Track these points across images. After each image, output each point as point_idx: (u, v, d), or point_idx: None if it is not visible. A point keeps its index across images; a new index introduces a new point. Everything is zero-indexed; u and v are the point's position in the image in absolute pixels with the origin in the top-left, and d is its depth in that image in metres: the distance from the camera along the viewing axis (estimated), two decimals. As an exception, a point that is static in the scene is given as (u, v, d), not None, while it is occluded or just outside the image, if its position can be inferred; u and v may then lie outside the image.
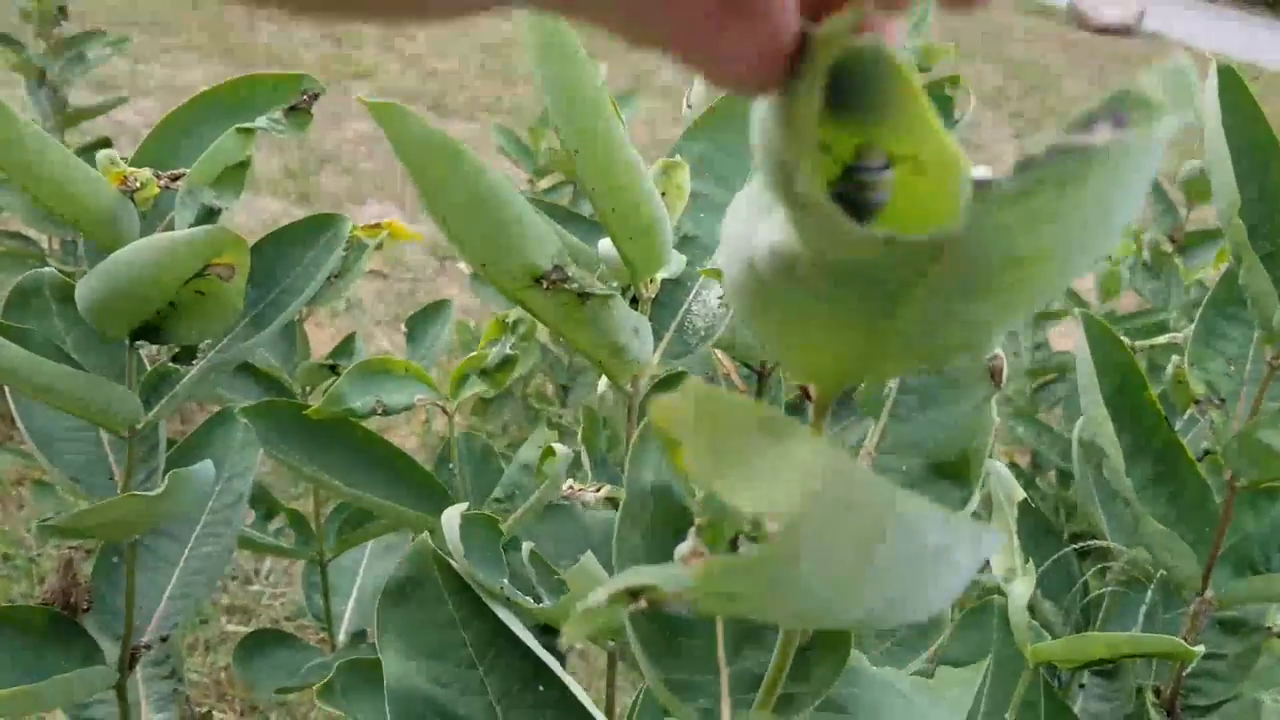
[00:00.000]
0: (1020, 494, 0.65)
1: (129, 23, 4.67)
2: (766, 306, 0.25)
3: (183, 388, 0.68)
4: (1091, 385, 0.74)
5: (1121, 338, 0.77)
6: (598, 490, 0.56)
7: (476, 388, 0.71)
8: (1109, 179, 0.19)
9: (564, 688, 0.46)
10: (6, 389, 0.71)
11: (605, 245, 0.53)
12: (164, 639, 0.76)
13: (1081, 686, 0.83)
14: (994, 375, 0.37)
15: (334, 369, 0.85)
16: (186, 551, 0.76)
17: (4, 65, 1.83)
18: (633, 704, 0.56)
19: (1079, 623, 0.86)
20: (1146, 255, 2.07)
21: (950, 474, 0.37)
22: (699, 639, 0.41)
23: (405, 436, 2.27)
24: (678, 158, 0.52)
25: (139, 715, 0.79)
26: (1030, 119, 5.77)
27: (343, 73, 4.73)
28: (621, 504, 0.38)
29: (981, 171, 0.19)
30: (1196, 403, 0.73)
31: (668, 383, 0.54)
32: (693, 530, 0.33)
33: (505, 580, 0.46)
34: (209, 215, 0.67)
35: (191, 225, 0.65)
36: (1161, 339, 1.04)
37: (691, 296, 0.55)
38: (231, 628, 1.73)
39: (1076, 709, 0.80)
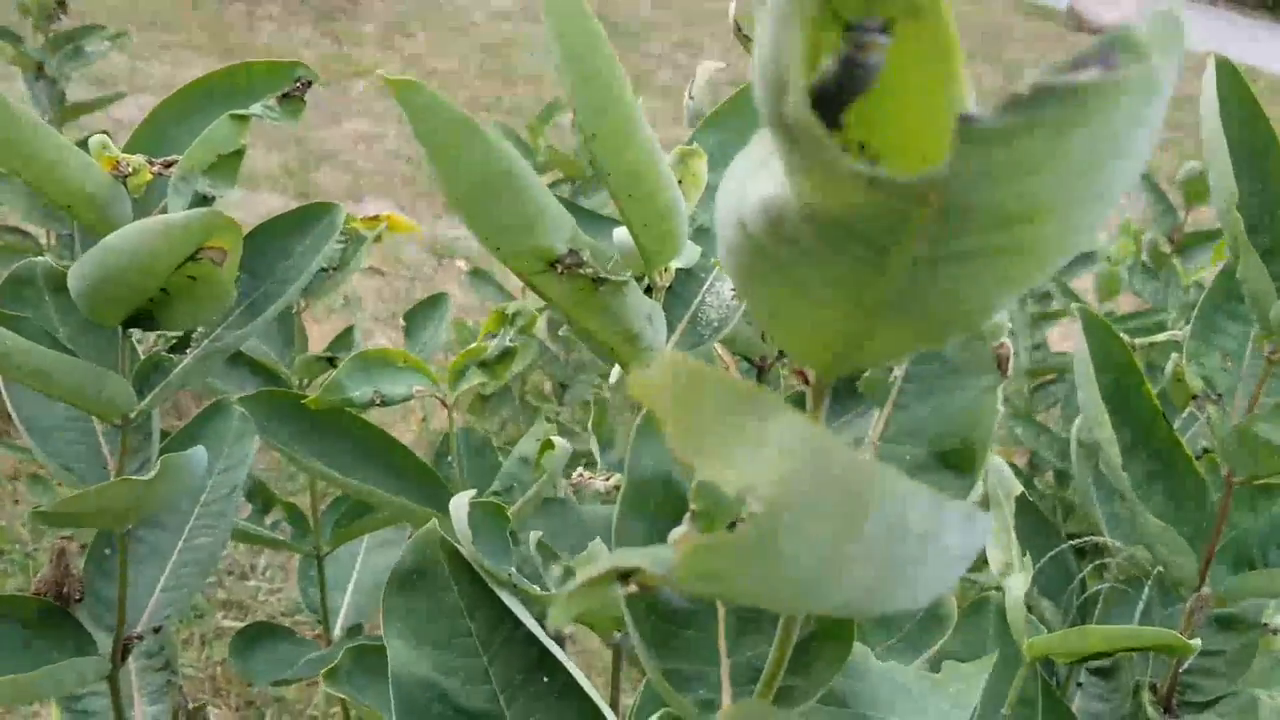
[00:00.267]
0: (1018, 489, 0.65)
1: (128, 21, 4.66)
2: (757, 269, 0.24)
3: (176, 376, 0.68)
4: (1089, 381, 0.73)
5: (1120, 335, 0.77)
6: (607, 479, 0.56)
7: (476, 379, 0.71)
8: (1105, 124, 0.19)
9: (569, 678, 0.45)
10: (1, 381, 0.71)
11: (620, 234, 0.53)
12: (157, 630, 0.75)
13: (1079, 685, 0.83)
14: (1000, 363, 0.37)
15: (332, 361, 0.85)
16: (180, 543, 0.76)
17: (2, 59, 1.83)
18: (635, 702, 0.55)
19: (1076, 620, 0.85)
20: (1145, 256, 2.07)
21: (953, 463, 0.36)
22: (699, 630, 0.41)
23: (402, 433, 2.26)
24: (695, 146, 0.51)
25: (132, 707, 0.78)
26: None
27: (342, 72, 4.72)
28: (621, 491, 0.38)
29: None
30: (1194, 398, 0.73)
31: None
32: (688, 516, 0.33)
33: (513, 569, 0.45)
34: (202, 203, 0.66)
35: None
36: (1160, 337, 1.04)
37: (705, 288, 0.54)
38: (227, 623, 1.72)
39: (1074, 707, 0.80)
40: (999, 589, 0.69)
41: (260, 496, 0.93)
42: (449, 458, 0.74)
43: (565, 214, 0.41)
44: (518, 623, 0.44)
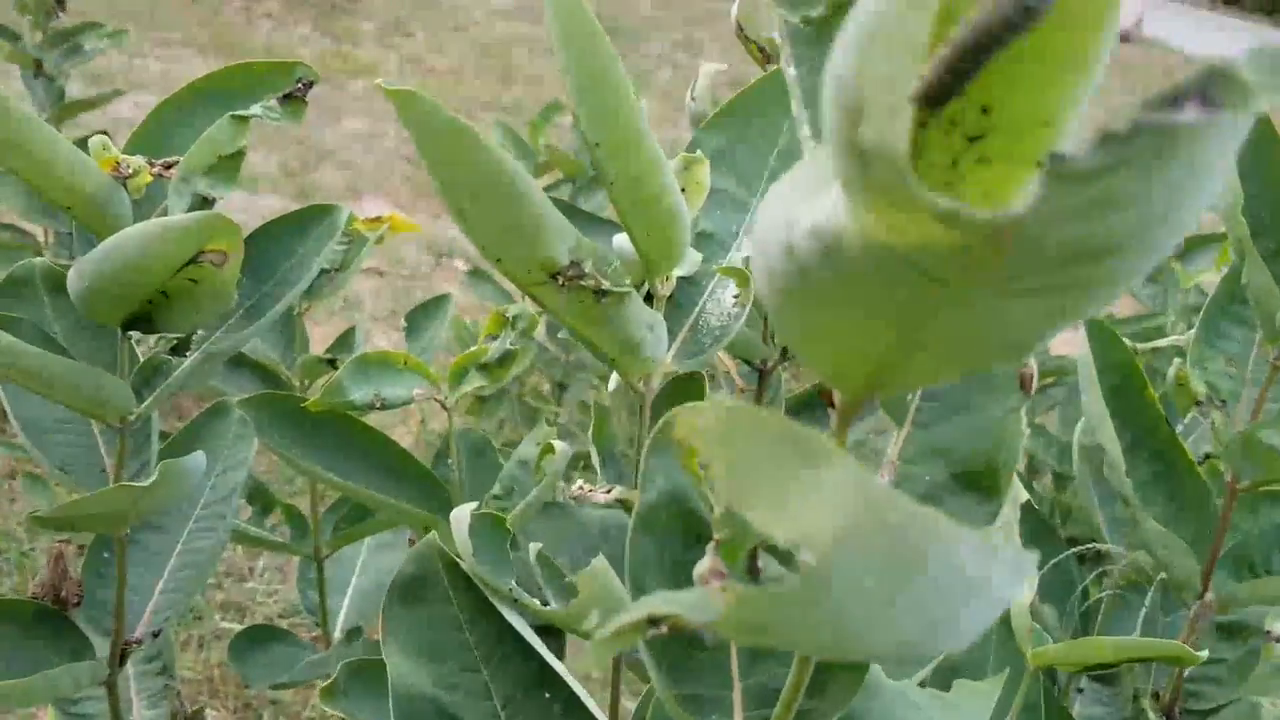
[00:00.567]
0: (1024, 495, 0.65)
1: (126, 18, 4.66)
2: (800, 297, 0.24)
3: (176, 378, 0.67)
4: (1092, 384, 0.73)
5: (1123, 338, 0.76)
6: (608, 491, 0.56)
7: (476, 382, 0.71)
8: (1192, 163, 0.18)
9: (571, 693, 0.45)
10: (-1, 381, 0.70)
11: (620, 240, 0.52)
12: (155, 634, 0.75)
13: (1079, 690, 0.82)
14: (1024, 383, 0.37)
15: (333, 363, 0.84)
16: (179, 545, 0.75)
17: (1, 57, 1.83)
18: (637, 711, 0.55)
19: (1078, 627, 0.85)
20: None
21: (976, 486, 0.36)
22: (712, 653, 0.40)
23: (401, 435, 2.26)
24: (698, 153, 0.51)
25: (130, 711, 0.78)
26: (1028, 123, 5.77)
27: (341, 70, 4.72)
28: (634, 513, 0.37)
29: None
30: (1198, 404, 0.72)
31: (682, 383, 0.54)
32: (710, 546, 0.32)
33: (513, 582, 0.45)
34: (203, 205, 0.66)
35: (186, 212, 0.65)
36: (1162, 342, 1.03)
37: (707, 295, 0.54)
38: (226, 624, 1.72)
39: (1074, 712, 0.79)
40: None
41: (260, 498, 0.93)
42: (449, 460, 0.74)
43: (567, 225, 0.41)
44: (518, 637, 0.44)
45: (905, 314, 0.22)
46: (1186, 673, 0.75)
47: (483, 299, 2.12)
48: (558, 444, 0.71)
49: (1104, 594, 0.79)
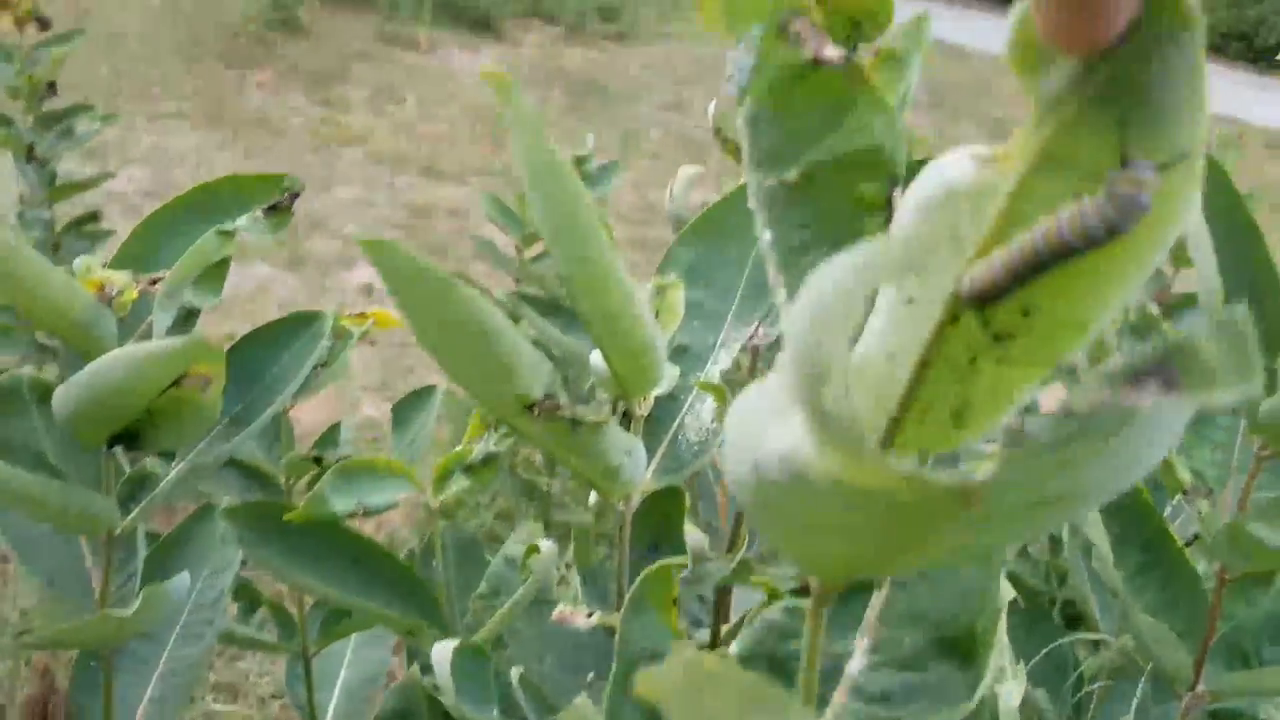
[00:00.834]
0: (1010, 593, 0.65)
1: (119, 91, 4.71)
2: (773, 513, 0.24)
3: (161, 491, 0.67)
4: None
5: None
6: (590, 615, 0.55)
7: (461, 484, 0.71)
8: (1150, 429, 0.19)
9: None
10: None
11: (597, 359, 0.53)
12: (143, 744, 0.74)
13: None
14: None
15: (318, 460, 0.84)
16: (165, 653, 0.75)
17: (-8, 141, 1.84)
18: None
19: (1071, 714, 0.85)
20: (1134, 319, 2.08)
21: (956, 652, 0.36)
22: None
23: (391, 517, 2.25)
24: (672, 276, 0.52)
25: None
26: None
27: (333, 137, 4.76)
28: (612, 671, 0.37)
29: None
30: (1184, 492, 0.72)
31: (661, 499, 0.54)
32: None
33: (495, 713, 0.45)
34: (189, 316, 0.67)
35: (171, 327, 0.65)
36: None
37: (685, 410, 0.54)
38: (218, 706, 1.70)
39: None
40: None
41: (246, 595, 0.92)
42: (435, 561, 0.74)
43: (541, 360, 0.41)
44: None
45: (876, 536, 0.23)
46: (1182, 763, 0.75)
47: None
48: (543, 544, 0.71)
49: (1096, 686, 0.79)
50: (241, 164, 4.19)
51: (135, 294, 0.62)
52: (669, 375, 0.52)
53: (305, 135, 4.73)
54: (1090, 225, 0.22)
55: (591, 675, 0.56)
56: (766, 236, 0.30)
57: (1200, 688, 0.71)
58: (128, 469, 0.71)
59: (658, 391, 0.51)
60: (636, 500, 0.52)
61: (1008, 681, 0.64)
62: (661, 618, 0.42)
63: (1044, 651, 0.83)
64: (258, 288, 3.16)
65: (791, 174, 0.30)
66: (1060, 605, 2.01)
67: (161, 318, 0.63)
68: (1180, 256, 1.91)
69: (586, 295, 0.42)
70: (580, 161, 2.05)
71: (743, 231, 0.57)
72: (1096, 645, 0.92)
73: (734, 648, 0.38)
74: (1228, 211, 0.70)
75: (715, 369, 0.54)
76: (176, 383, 0.58)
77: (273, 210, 0.66)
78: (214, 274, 0.67)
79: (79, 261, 0.60)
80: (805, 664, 0.29)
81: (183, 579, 0.66)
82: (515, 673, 0.49)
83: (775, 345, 0.67)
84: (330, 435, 0.87)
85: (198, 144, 4.36)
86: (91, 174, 2.22)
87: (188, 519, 0.77)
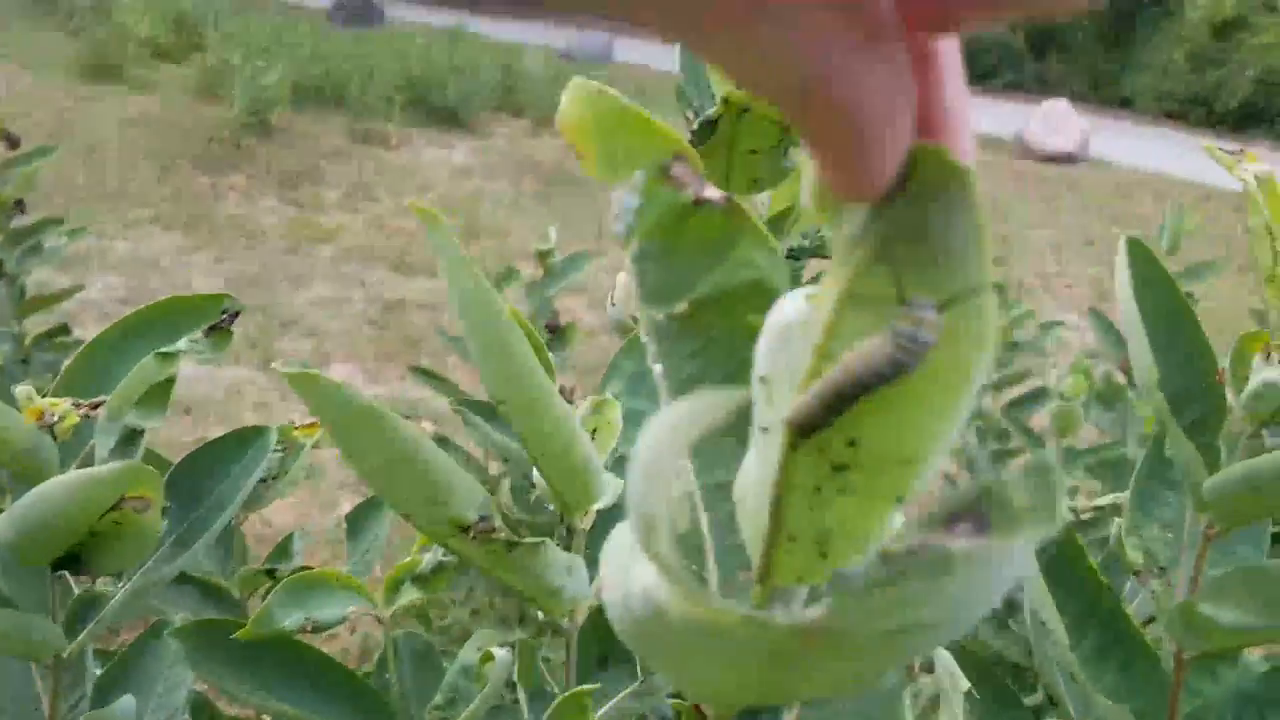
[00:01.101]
0: (965, 684, 0.64)
1: (92, 197, 4.75)
2: (643, 643, 0.24)
3: (109, 613, 0.67)
4: (1029, 559, 0.73)
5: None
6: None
7: (411, 595, 0.70)
8: (977, 572, 0.19)
9: None
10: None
11: (539, 475, 0.53)
12: None
13: None
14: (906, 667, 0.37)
15: (272, 573, 0.84)
16: (117, 779, 0.74)
17: (-41, 259, 1.85)
18: None
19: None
20: (1100, 387, 2.10)
21: None
22: None
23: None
24: (608, 395, 0.52)
25: None
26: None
27: (306, 236, 4.80)
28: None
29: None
30: (1136, 573, 0.73)
31: (604, 613, 0.53)
32: None
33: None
34: (132, 437, 0.67)
35: (113, 449, 0.65)
36: (1102, 501, 1.04)
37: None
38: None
39: None
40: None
41: (205, 712, 0.91)
42: (387, 674, 0.73)
43: (475, 485, 0.42)
44: None
45: (742, 670, 0.23)
46: None
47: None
48: (497, 651, 0.70)
49: (1062, 773, 0.78)
50: (215, 268, 4.21)
51: (76, 419, 0.62)
52: (611, 488, 0.52)
53: (279, 236, 4.77)
54: (875, 362, 0.23)
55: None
56: (658, 369, 0.31)
57: (1165, 771, 0.70)
58: (76, 591, 0.70)
59: (600, 505, 0.51)
60: (583, 614, 0.52)
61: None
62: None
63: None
64: (231, 390, 3.16)
65: (680, 307, 0.30)
66: (1035, 676, 1.99)
67: (103, 441, 0.63)
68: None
69: (519, 416, 0.43)
70: (544, 255, 2.07)
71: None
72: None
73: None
74: (1158, 292, 0.71)
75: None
76: (116, 506, 0.58)
77: (213, 330, 0.67)
78: (157, 395, 0.67)
79: (19, 390, 0.61)
80: (711, 787, 0.29)
81: (128, 702, 0.65)
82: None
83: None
84: (284, 547, 0.87)
85: (173, 249, 4.38)
86: (66, 284, 2.23)
87: (138, 639, 0.76)
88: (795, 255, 0.76)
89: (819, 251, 0.78)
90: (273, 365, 0.39)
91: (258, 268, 4.30)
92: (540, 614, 0.52)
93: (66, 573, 0.69)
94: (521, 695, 0.58)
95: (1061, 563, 0.74)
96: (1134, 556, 0.73)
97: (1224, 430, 0.67)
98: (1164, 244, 2.02)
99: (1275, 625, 0.66)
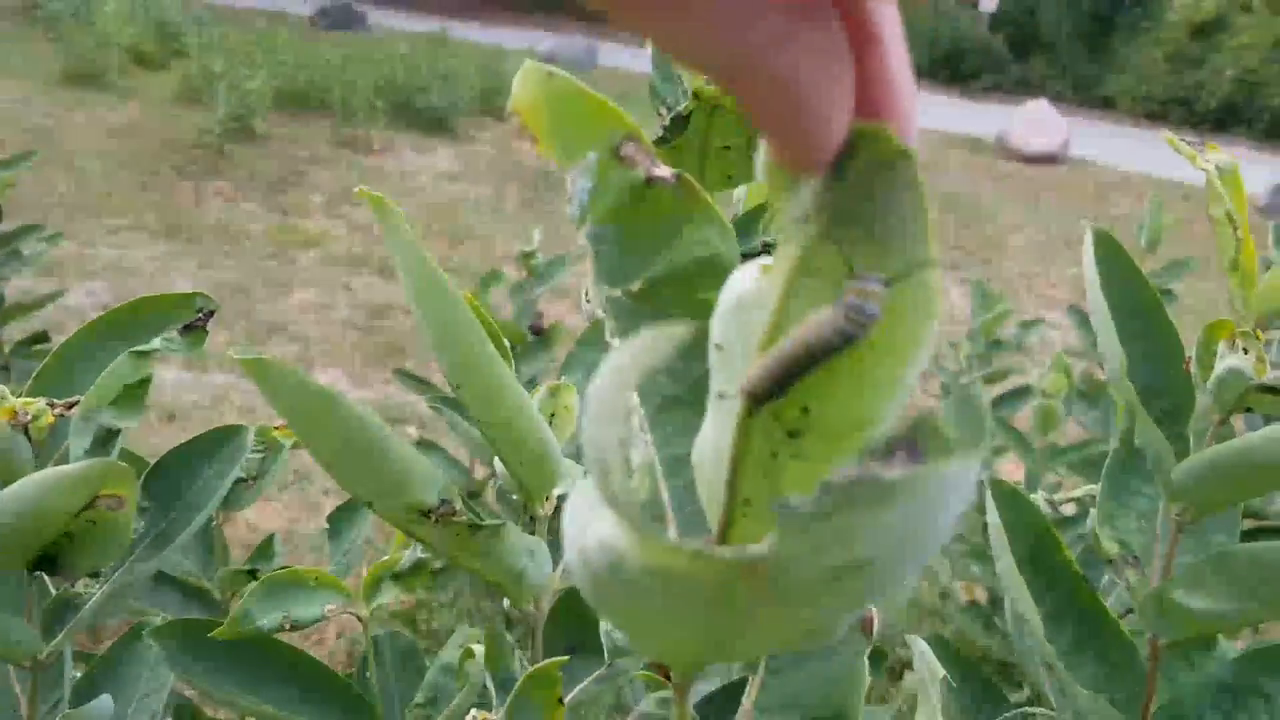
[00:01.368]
0: (941, 673, 0.65)
1: (75, 205, 4.73)
2: (603, 598, 0.25)
3: (86, 613, 0.67)
4: (1004, 550, 0.74)
5: (1035, 498, 0.78)
6: (499, 722, 0.55)
7: (391, 593, 0.70)
8: (916, 501, 0.20)
9: None
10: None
11: (500, 463, 0.53)
12: None
13: None
14: (865, 628, 0.37)
15: (253, 574, 0.84)
16: (97, 781, 0.73)
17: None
18: None
19: (1021, 792, 0.84)
20: (1081, 385, 2.11)
21: None
22: None
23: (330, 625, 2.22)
24: (564, 379, 0.53)
25: None
26: (970, 250, 5.92)
27: (290, 242, 4.78)
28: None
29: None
30: (1110, 562, 0.73)
31: (572, 599, 0.54)
32: None
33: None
34: (108, 437, 0.67)
35: (88, 449, 0.65)
36: (1078, 492, 1.05)
37: (589, 509, 0.55)
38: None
39: None
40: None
41: (186, 716, 0.91)
42: (368, 673, 0.73)
43: (432, 469, 0.42)
44: None
45: (700, 619, 0.23)
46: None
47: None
48: (477, 649, 0.70)
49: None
50: (199, 274, 4.20)
51: (51, 419, 0.62)
52: (572, 474, 0.52)
53: (263, 241, 4.76)
54: (825, 333, 0.24)
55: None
56: (615, 343, 0.31)
57: (1141, 759, 0.71)
58: (54, 593, 0.70)
59: (560, 491, 0.52)
60: (548, 602, 0.52)
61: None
62: (547, 718, 0.42)
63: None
64: (215, 395, 3.15)
65: (635, 285, 0.31)
66: (1014, 680, 2.00)
67: (78, 441, 0.63)
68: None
69: (475, 402, 0.43)
70: (527, 257, 2.07)
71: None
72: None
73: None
74: (1126, 284, 0.71)
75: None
76: (91, 504, 0.58)
77: (188, 330, 0.67)
78: (133, 395, 0.67)
79: (-8, 389, 0.61)
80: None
81: (104, 702, 0.65)
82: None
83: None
84: (265, 547, 0.87)
85: (156, 256, 4.37)
86: (49, 290, 2.22)
87: (117, 641, 0.76)
88: (769, 250, 0.77)
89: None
90: (229, 351, 0.40)
91: (241, 274, 4.29)
92: (512, 607, 0.52)
93: (43, 574, 0.69)
94: (489, 681, 0.59)
95: (1038, 555, 0.75)
96: (1109, 547, 0.74)
97: (1193, 419, 0.68)
98: (1143, 241, 2.03)
99: (1247, 610, 0.67)
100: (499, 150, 6.93)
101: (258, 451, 0.86)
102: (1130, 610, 0.81)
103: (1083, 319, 2.07)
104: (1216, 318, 0.70)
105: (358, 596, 0.71)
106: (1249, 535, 0.79)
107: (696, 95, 0.70)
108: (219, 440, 0.69)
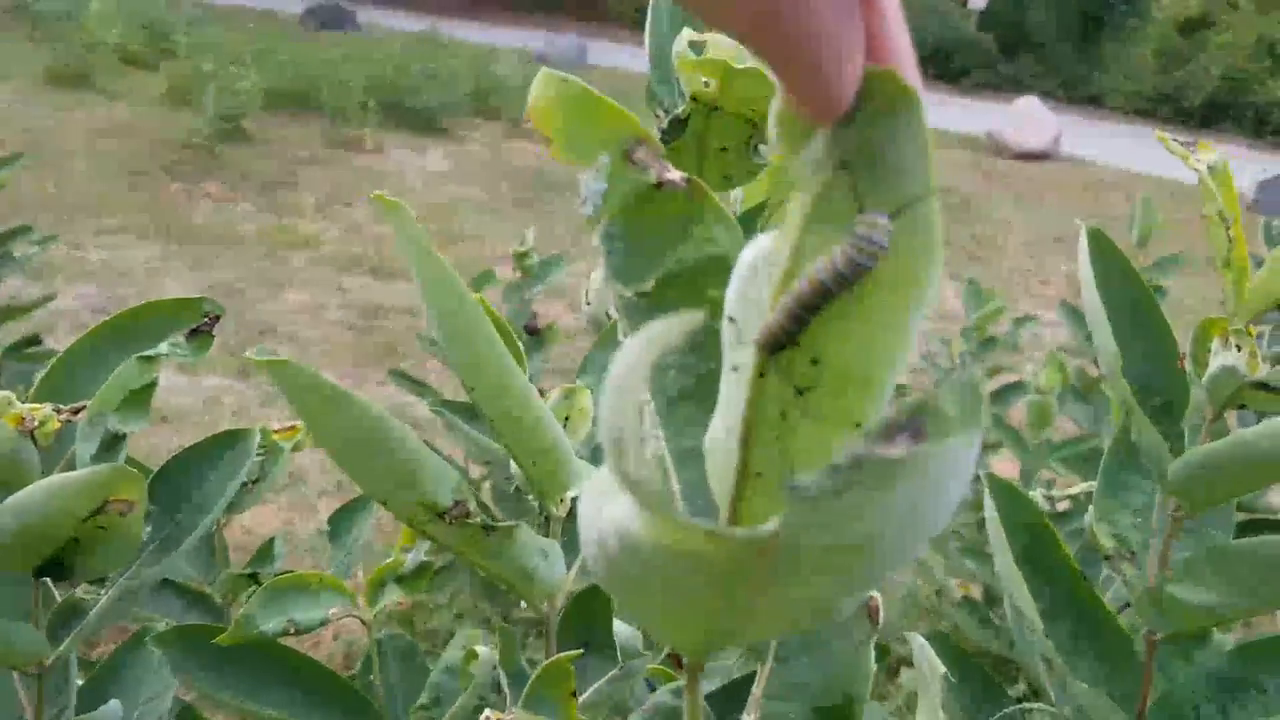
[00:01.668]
0: (941, 669, 0.65)
1: (66, 207, 4.71)
2: (619, 583, 0.26)
3: (92, 619, 0.67)
4: (1002, 546, 0.74)
5: (1033, 495, 0.78)
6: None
7: (394, 596, 0.71)
8: (919, 480, 0.21)
9: None
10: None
11: (514, 463, 0.54)
12: None
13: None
14: (871, 615, 0.38)
15: (254, 578, 0.84)
16: (103, 785, 0.74)
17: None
18: None
19: (1020, 786, 0.85)
20: (1074, 382, 2.12)
21: (835, 718, 0.37)
22: None
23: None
24: (578, 382, 0.53)
25: None
26: (962, 247, 5.94)
27: (283, 242, 4.78)
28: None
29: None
30: (1107, 558, 0.74)
31: (585, 600, 0.54)
32: None
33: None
34: (114, 442, 0.67)
35: (95, 454, 0.65)
36: (1076, 489, 1.06)
37: (605, 510, 0.55)
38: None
39: None
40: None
41: (192, 719, 0.91)
42: (371, 675, 0.73)
43: (446, 468, 0.42)
44: None
45: (708, 599, 0.24)
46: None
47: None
48: (481, 650, 0.71)
49: (1040, 756, 0.79)
50: (191, 275, 4.19)
51: (57, 424, 0.62)
52: (586, 475, 0.53)
53: (255, 242, 4.75)
54: (838, 265, 0.25)
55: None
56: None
57: (1139, 753, 0.72)
58: (59, 598, 0.71)
59: (574, 492, 0.52)
60: (561, 601, 0.53)
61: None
62: (560, 712, 0.43)
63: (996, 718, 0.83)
64: (210, 399, 3.15)
65: (646, 284, 0.32)
66: (1015, 674, 2.01)
67: (85, 447, 0.63)
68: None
69: (488, 402, 0.43)
70: (522, 257, 2.08)
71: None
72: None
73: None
74: (1121, 281, 0.72)
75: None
76: (99, 510, 0.58)
77: (195, 334, 0.67)
78: (138, 399, 0.67)
79: (-2, 396, 0.61)
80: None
81: (113, 708, 0.65)
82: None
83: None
84: (266, 551, 0.87)
85: (147, 258, 4.36)
86: (38, 295, 2.21)
87: (121, 646, 0.77)
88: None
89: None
90: (246, 353, 0.40)
91: (234, 275, 4.28)
92: (522, 605, 0.53)
93: (49, 579, 0.69)
94: (503, 679, 0.59)
95: (1036, 552, 0.75)
96: (1105, 542, 0.74)
97: (1187, 415, 0.68)
98: (1134, 238, 2.04)
99: (1242, 604, 0.67)
100: (491, 150, 6.93)
101: (258, 454, 0.86)
102: (1127, 605, 0.81)
103: (1076, 316, 2.08)
104: (1206, 313, 0.71)
105: (358, 599, 0.72)
106: (1243, 528, 0.80)
107: (694, 98, 0.71)
108: (225, 444, 0.70)
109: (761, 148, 0.72)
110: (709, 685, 0.54)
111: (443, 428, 1.67)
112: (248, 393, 3.26)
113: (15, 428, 0.60)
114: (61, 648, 0.66)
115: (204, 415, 3.02)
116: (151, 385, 0.68)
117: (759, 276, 0.27)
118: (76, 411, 0.64)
